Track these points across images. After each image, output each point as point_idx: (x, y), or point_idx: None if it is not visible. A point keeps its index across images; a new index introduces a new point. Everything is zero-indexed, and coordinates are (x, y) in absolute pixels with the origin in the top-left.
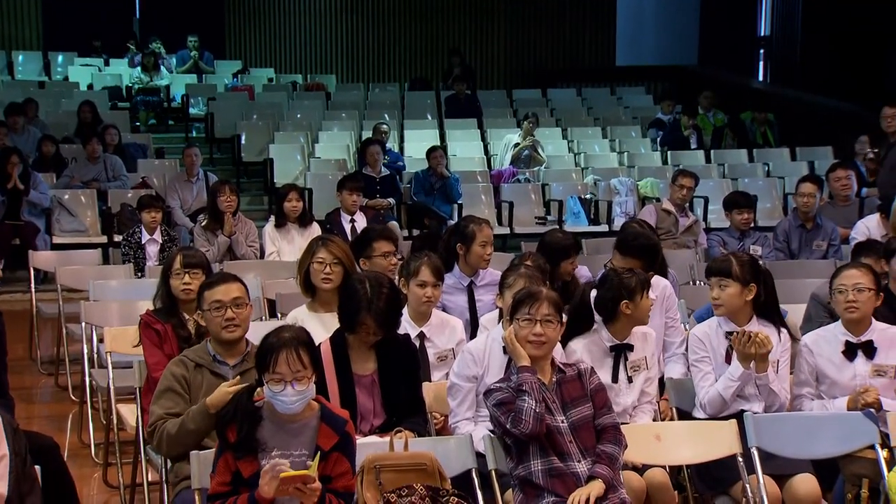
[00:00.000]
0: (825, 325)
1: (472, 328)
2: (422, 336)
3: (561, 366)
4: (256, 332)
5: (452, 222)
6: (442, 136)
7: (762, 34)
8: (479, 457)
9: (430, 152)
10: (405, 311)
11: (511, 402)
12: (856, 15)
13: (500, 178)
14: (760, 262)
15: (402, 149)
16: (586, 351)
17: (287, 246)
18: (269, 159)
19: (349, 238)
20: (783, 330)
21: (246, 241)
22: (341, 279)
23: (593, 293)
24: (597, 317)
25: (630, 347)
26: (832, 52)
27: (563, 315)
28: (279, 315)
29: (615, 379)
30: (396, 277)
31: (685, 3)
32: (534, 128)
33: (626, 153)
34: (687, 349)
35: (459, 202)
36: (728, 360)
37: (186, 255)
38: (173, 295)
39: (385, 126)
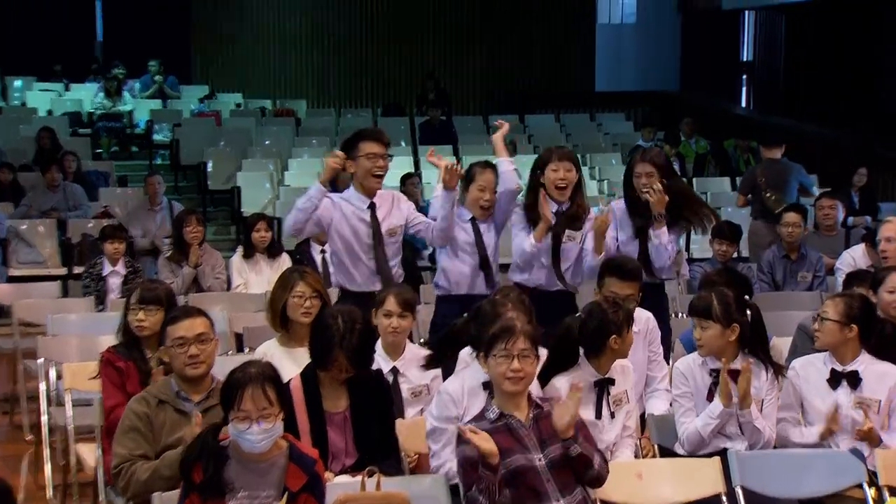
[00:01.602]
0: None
1: (482, 265)
2: (395, 371)
3: (538, 401)
4: (223, 367)
5: (427, 252)
6: (416, 164)
7: (745, 59)
8: (454, 495)
9: (405, 180)
10: (378, 344)
11: (476, 464)
12: (840, 39)
13: None
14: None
15: None
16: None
17: (255, 278)
18: (237, 187)
19: (320, 270)
20: (770, 367)
21: (212, 272)
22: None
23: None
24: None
25: (612, 382)
26: (816, 78)
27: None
28: (246, 349)
29: (598, 415)
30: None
31: (666, 28)
32: (511, 154)
33: (606, 181)
34: (671, 383)
35: None
36: (710, 397)
37: (144, 290)
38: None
39: None
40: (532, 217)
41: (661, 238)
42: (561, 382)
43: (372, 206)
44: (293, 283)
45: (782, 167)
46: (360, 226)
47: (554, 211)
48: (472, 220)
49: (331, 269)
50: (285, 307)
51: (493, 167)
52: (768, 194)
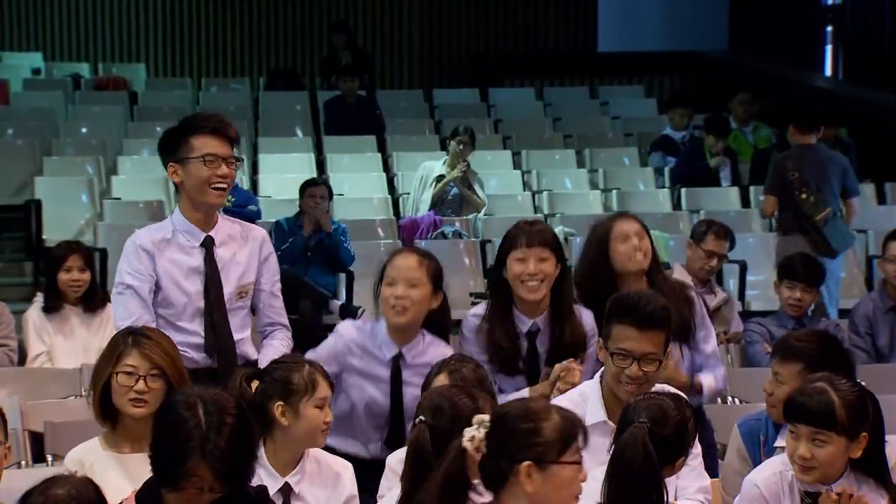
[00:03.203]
0: None
1: (393, 428)
2: (287, 491)
3: None
4: (13, 485)
5: (338, 303)
6: (320, 164)
7: (830, 2)
8: None
9: (304, 189)
10: (262, 451)
11: None
12: None
13: (413, 230)
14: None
15: (254, 183)
16: None
17: (63, 343)
18: (34, 201)
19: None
20: (890, 493)
21: None
22: (161, 401)
23: None
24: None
25: None
26: None
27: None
28: (50, 458)
29: None
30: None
31: None
32: (467, 150)
33: (614, 191)
34: None
35: (349, 269)
36: None
37: None
38: None
39: None
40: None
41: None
42: None
43: (207, 244)
44: (122, 352)
45: (821, 156)
46: (182, 280)
47: (525, 331)
48: (397, 357)
49: None
50: (109, 390)
51: (417, 252)
52: (804, 195)
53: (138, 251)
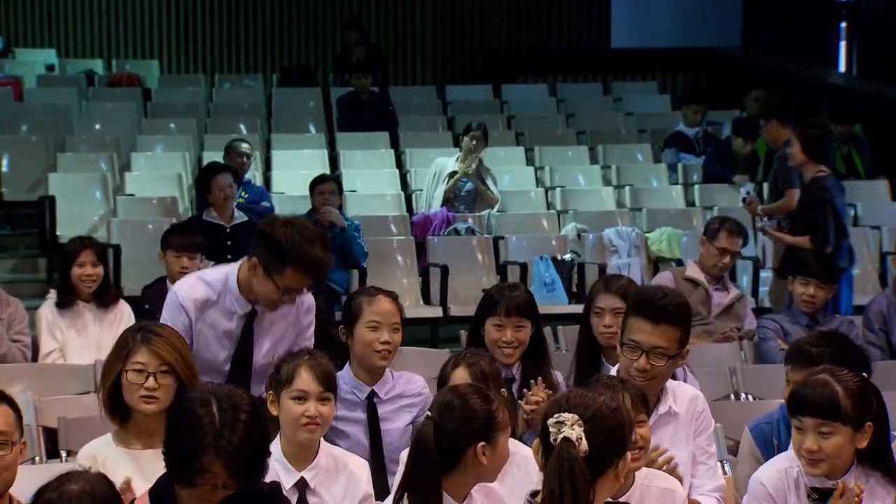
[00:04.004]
0: None
1: (375, 466)
2: (302, 486)
3: None
4: (28, 480)
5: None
6: (333, 161)
7: None
8: None
9: (315, 186)
10: (276, 445)
11: None
12: None
13: (426, 226)
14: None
15: (267, 180)
16: None
17: (76, 339)
18: (48, 198)
19: None
20: None
21: (8, 332)
22: (172, 397)
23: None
24: None
25: None
26: None
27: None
28: (64, 454)
29: None
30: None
31: None
32: (480, 146)
33: (627, 188)
34: None
35: (363, 265)
36: None
37: None
38: None
39: (244, 145)
40: None
41: None
42: None
43: (250, 316)
44: (131, 349)
45: None
46: (214, 344)
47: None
48: (371, 395)
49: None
50: (119, 387)
51: (391, 295)
52: None
53: (179, 308)
